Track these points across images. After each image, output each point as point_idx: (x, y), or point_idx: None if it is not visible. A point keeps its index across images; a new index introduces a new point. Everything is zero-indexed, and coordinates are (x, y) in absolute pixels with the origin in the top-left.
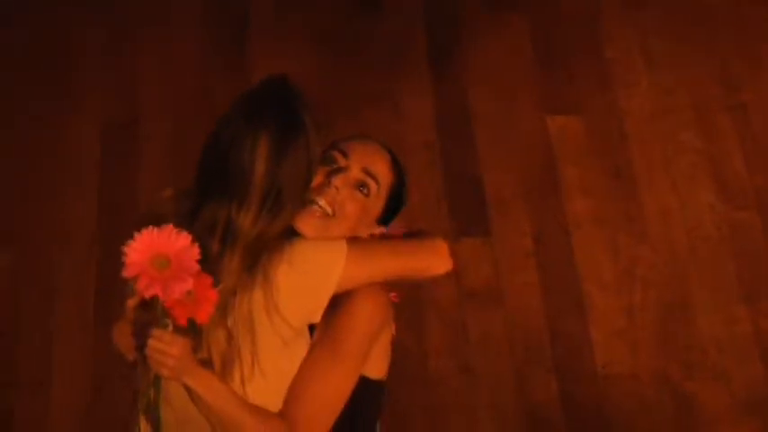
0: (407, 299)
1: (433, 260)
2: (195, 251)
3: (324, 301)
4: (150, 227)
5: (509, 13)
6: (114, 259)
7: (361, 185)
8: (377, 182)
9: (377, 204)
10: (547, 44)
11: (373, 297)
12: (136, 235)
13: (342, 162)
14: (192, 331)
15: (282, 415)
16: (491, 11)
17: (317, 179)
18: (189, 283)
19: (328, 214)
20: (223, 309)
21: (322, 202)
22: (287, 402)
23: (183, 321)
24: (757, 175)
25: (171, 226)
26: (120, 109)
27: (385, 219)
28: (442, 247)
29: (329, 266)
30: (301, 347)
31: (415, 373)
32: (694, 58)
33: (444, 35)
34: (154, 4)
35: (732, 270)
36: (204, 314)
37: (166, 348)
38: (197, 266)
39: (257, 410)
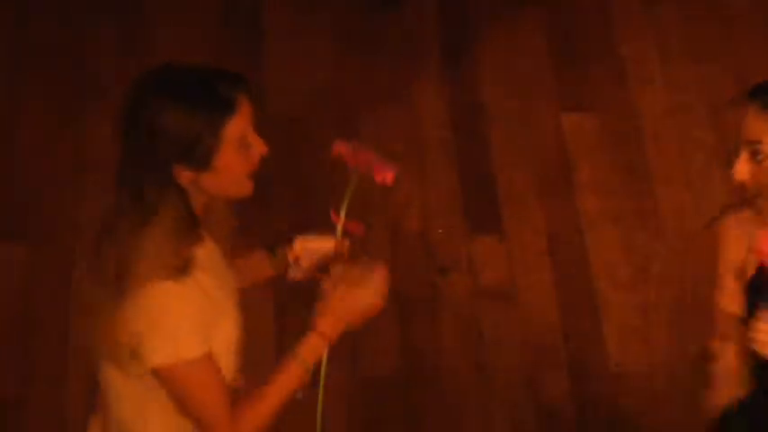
0: (421, 296)
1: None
2: None
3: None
4: None
5: (524, 11)
6: None
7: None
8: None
9: None
10: (562, 41)
11: None
12: None
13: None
14: None
15: None
16: (506, 8)
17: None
18: None
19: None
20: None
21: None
22: None
23: None
24: None
25: None
26: None
27: None
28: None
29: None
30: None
31: (429, 371)
32: (709, 55)
33: (459, 32)
34: (169, 3)
35: None
36: None
37: None
38: None
39: None
